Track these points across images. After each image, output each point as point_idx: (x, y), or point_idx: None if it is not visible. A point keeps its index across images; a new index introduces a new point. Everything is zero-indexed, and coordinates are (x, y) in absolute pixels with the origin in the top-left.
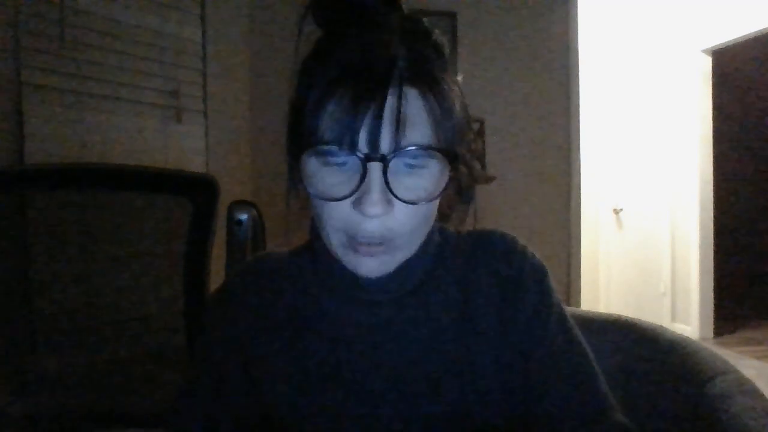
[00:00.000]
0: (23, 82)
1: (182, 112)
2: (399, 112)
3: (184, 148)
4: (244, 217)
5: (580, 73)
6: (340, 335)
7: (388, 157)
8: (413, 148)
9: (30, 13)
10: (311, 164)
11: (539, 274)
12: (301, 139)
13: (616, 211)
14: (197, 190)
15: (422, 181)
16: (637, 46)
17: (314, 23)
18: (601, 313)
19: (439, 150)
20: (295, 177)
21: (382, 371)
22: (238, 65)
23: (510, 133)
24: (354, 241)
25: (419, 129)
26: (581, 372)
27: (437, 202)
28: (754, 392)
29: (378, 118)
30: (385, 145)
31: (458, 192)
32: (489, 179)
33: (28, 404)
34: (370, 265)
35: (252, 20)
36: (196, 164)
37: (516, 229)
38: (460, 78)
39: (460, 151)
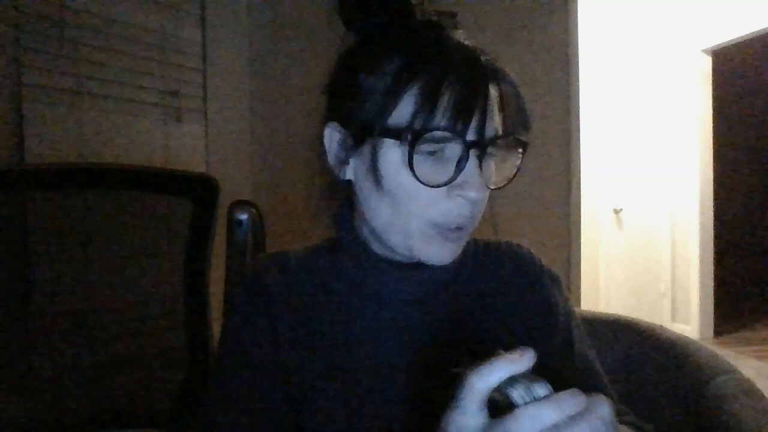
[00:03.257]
0: (23, 82)
1: (182, 112)
2: (500, 102)
3: (184, 148)
4: (244, 217)
5: (580, 73)
6: (361, 334)
7: (488, 145)
8: (510, 136)
9: (30, 13)
10: (393, 155)
11: (559, 284)
12: (395, 129)
13: (616, 211)
14: (197, 190)
15: (505, 168)
16: (637, 46)
17: (344, 24)
18: (601, 313)
19: (525, 140)
20: (375, 171)
21: (404, 371)
22: (238, 65)
23: None
24: (439, 228)
25: (512, 121)
26: (593, 375)
27: None
28: (754, 392)
29: (485, 108)
30: (487, 133)
31: None
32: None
33: (28, 404)
34: (447, 251)
35: (252, 20)
36: (196, 164)
37: (516, 229)
38: None
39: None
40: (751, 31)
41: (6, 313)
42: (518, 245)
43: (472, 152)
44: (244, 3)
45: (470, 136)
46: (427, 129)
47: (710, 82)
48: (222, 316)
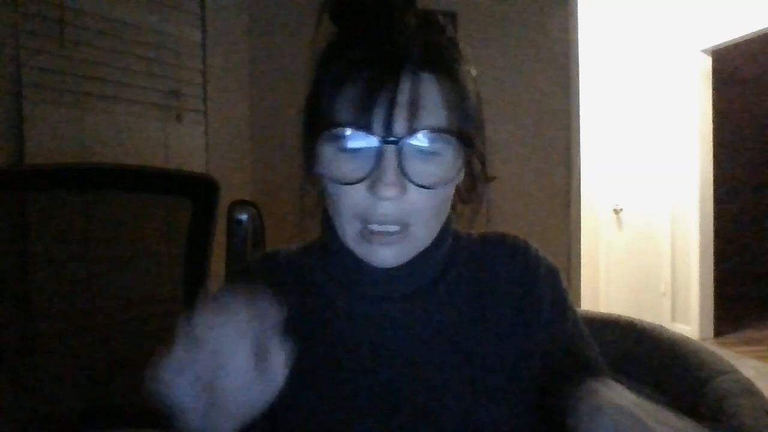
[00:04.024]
0: (23, 82)
1: (182, 112)
2: (413, 95)
3: (184, 148)
4: (244, 217)
5: (580, 73)
6: (349, 331)
7: (402, 140)
8: (427, 130)
9: (30, 13)
10: (327, 151)
11: (554, 275)
12: (317, 125)
13: (616, 211)
14: (197, 190)
15: (436, 166)
16: (637, 46)
17: (330, 19)
18: (601, 313)
19: (452, 133)
20: (311, 168)
21: (392, 369)
22: (238, 65)
23: (510, 133)
24: (367, 229)
25: (434, 113)
26: (593, 365)
27: (451, 192)
28: (754, 392)
29: (392, 100)
30: (399, 128)
31: (473, 184)
32: (489, 179)
33: (28, 404)
34: (385, 254)
35: (252, 20)
36: (196, 164)
37: (516, 228)
38: (474, 72)
39: (474, 138)
40: (751, 31)
41: (6, 313)
42: (514, 236)
43: (387, 149)
44: (244, 3)
45: (378, 131)
46: (330, 124)
47: (710, 82)
48: None
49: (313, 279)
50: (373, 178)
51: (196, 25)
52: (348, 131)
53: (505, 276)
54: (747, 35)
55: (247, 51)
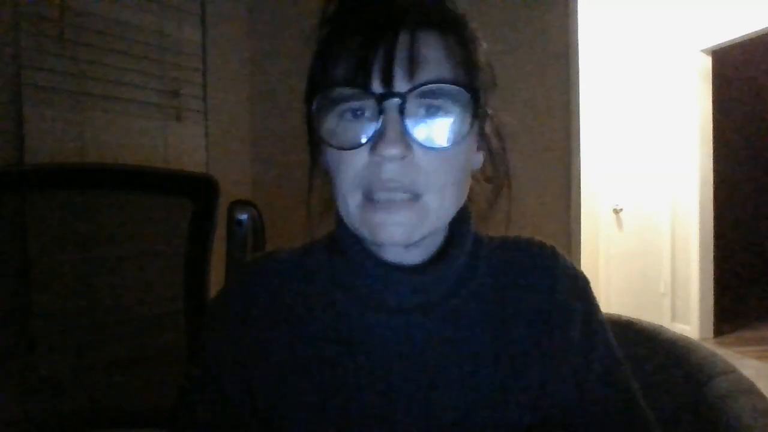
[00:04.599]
0: (23, 82)
1: (182, 112)
2: (413, 48)
3: (184, 148)
4: (244, 217)
5: (580, 73)
6: (358, 343)
7: (403, 95)
8: (429, 83)
9: (30, 13)
10: (329, 119)
11: (583, 286)
12: (316, 89)
13: (616, 211)
14: (197, 190)
15: (441, 123)
16: (637, 46)
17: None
18: None
19: (457, 86)
20: (315, 145)
21: (404, 385)
22: (238, 65)
23: (509, 132)
24: (371, 197)
25: (436, 67)
26: (625, 391)
27: (466, 163)
28: (754, 392)
29: (390, 54)
30: (400, 84)
31: (492, 165)
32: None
33: (27, 405)
34: (393, 229)
35: (252, 20)
36: (196, 164)
37: (515, 228)
38: (485, 45)
39: (482, 94)
40: (751, 31)
41: (6, 312)
42: (541, 243)
43: (389, 107)
44: (244, 3)
45: (377, 87)
46: (327, 84)
47: (710, 82)
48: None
49: (319, 280)
50: (375, 139)
51: (196, 25)
52: (346, 91)
53: (529, 286)
54: (747, 35)
55: (247, 51)
